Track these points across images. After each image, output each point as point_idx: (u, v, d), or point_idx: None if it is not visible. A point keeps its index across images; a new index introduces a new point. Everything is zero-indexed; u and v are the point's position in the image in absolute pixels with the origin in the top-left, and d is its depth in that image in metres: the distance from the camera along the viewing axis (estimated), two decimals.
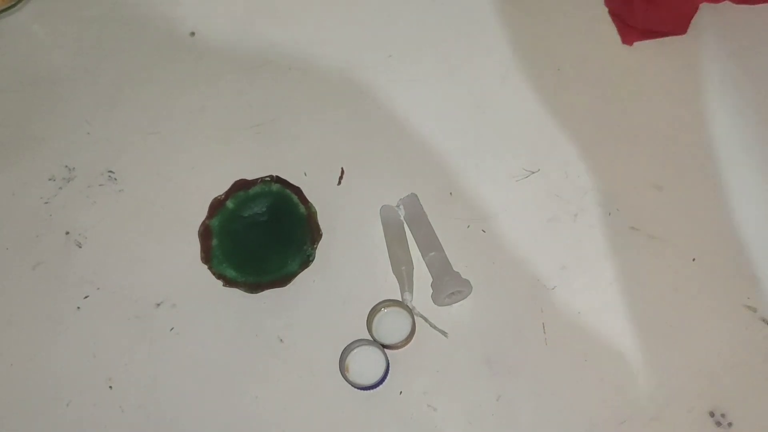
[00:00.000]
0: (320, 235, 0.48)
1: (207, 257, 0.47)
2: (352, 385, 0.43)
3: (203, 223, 0.48)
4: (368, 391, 0.44)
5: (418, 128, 0.53)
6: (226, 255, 0.47)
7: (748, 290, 0.46)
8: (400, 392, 0.44)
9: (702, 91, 0.54)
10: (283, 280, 0.46)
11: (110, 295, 0.48)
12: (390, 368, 0.44)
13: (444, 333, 0.45)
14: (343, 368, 0.44)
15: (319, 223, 0.48)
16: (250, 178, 0.50)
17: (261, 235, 0.48)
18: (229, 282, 0.46)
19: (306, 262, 0.47)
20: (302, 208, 0.49)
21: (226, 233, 0.48)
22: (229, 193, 0.49)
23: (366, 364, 0.44)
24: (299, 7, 0.60)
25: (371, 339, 0.45)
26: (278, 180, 0.50)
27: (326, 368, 0.45)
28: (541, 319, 0.46)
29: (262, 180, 0.50)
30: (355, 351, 0.44)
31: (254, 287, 0.46)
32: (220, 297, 0.47)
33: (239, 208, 0.49)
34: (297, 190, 0.49)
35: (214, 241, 0.48)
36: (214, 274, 0.47)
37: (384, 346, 0.44)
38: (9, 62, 0.59)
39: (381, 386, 0.44)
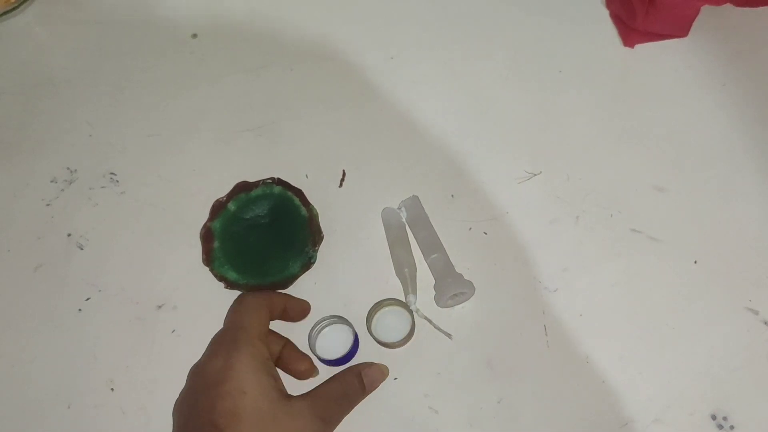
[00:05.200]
0: (321, 238, 0.48)
1: (208, 259, 0.47)
2: (321, 360, 0.44)
3: (205, 225, 0.48)
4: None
5: (420, 130, 0.53)
6: (228, 257, 0.47)
7: (749, 292, 0.46)
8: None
9: (703, 93, 0.54)
10: (284, 282, 0.46)
11: (112, 297, 0.48)
12: (359, 343, 0.45)
13: (448, 335, 0.45)
14: (313, 345, 0.45)
15: (321, 225, 0.48)
16: (251, 180, 0.50)
17: (262, 237, 0.48)
18: (230, 284, 0.46)
19: (307, 264, 0.47)
20: (303, 210, 0.49)
21: (228, 235, 0.48)
22: (230, 196, 0.49)
23: (335, 339, 0.45)
24: (301, 8, 0.60)
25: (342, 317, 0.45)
26: (280, 182, 0.50)
27: (327, 369, 0.45)
28: (543, 321, 0.46)
29: (264, 182, 0.50)
30: (324, 328, 0.45)
31: (256, 289, 0.46)
32: (221, 299, 0.47)
33: (240, 210, 0.49)
34: (298, 192, 0.49)
35: (216, 243, 0.48)
36: (215, 276, 0.47)
37: (382, 344, 0.45)
38: (10, 64, 0.59)
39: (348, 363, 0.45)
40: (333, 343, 0.45)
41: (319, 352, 0.44)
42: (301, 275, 0.47)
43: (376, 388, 0.43)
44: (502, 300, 0.46)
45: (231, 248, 0.48)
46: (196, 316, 0.47)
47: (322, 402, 0.40)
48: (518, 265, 0.48)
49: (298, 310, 0.45)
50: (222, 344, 0.40)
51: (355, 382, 0.42)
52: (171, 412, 0.40)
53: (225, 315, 0.43)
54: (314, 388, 0.41)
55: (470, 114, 0.54)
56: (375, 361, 0.44)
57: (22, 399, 0.45)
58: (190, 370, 0.40)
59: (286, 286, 0.46)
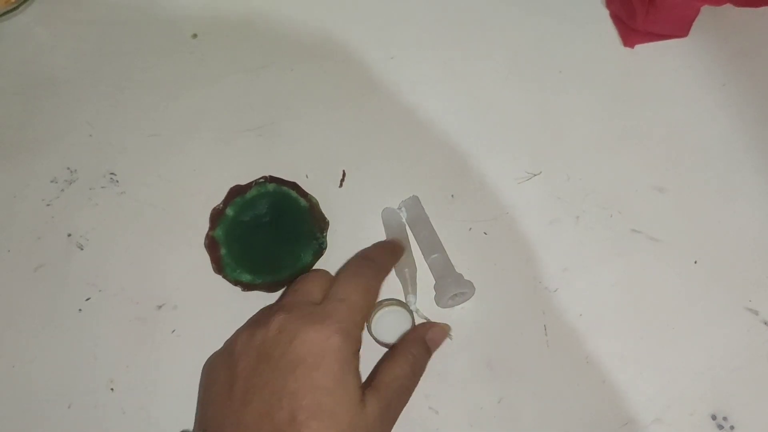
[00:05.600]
0: (327, 223, 0.48)
1: (219, 267, 0.47)
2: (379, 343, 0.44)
3: (207, 235, 0.48)
4: None
5: (420, 130, 0.53)
6: (238, 261, 0.47)
7: (750, 293, 0.46)
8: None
9: (703, 94, 0.54)
10: (300, 274, 0.46)
11: (112, 297, 0.48)
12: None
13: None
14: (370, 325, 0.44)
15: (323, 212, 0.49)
16: (244, 182, 0.50)
17: (268, 236, 0.48)
18: (247, 286, 0.46)
19: (319, 251, 0.47)
20: (303, 201, 0.49)
21: (233, 241, 0.48)
22: (226, 201, 0.49)
23: (393, 323, 0.44)
24: (301, 8, 0.60)
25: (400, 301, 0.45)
26: (272, 179, 0.50)
27: None
28: (543, 321, 0.46)
29: (256, 182, 0.50)
30: (383, 310, 0.45)
31: (273, 286, 0.46)
32: (222, 299, 0.47)
33: (239, 214, 0.49)
34: (293, 185, 0.50)
35: (223, 251, 0.48)
36: (230, 281, 0.47)
37: (382, 345, 0.45)
38: (10, 64, 0.59)
39: None
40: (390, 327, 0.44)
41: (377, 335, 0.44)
42: (315, 263, 0.47)
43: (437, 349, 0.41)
44: (502, 300, 0.46)
45: (239, 252, 0.48)
46: (197, 316, 0.47)
47: (391, 396, 0.37)
48: (518, 265, 0.48)
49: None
50: (328, 317, 0.36)
51: (423, 352, 0.40)
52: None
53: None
54: (382, 372, 0.38)
55: (470, 114, 0.54)
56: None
57: (22, 399, 0.45)
58: (270, 316, 0.37)
59: None
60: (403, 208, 0.49)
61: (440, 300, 0.45)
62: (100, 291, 0.48)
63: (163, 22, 0.61)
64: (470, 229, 0.49)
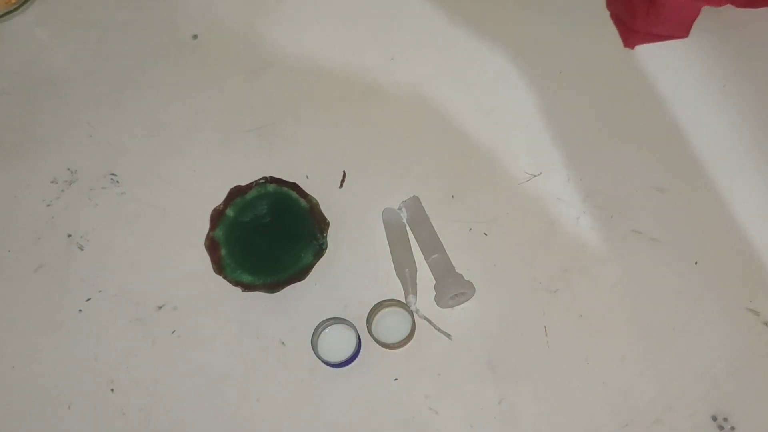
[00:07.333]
0: (327, 224, 0.48)
1: (219, 268, 0.47)
2: (325, 363, 0.44)
3: (207, 236, 0.48)
4: (368, 393, 0.44)
5: (420, 131, 0.54)
6: (238, 262, 0.47)
7: (750, 294, 0.46)
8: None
9: (704, 94, 0.54)
10: (300, 274, 0.47)
11: (112, 298, 0.48)
12: (362, 345, 0.45)
13: (448, 335, 0.45)
14: (315, 344, 0.45)
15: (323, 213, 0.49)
16: (252, 181, 0.50)
17: (268, 236, 0.48)
18: (247, 287, 0.46)
19: (319, 251, 0.47)
20: (303, 202, 0.49)
21: (233, 241, 0.48)
22: (226, 202, 0.49)
23: (337, 341, 0.45)
24: (301, 9, 0.61)
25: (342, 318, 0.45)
26: (273, 180, 0.50)
27: (327, 371, 0.45)
28: (543, 322, 0.46)
29: (257, 183, 0.50)
30: (327, 330, 0.45)
31: (273, 287, 0.46)
32: (222, 300, 0.47)
33: (240, 215, 0.49)
34: (294, 186, 0.50)
35: (223, 251, 0.48)
36: (230, 282, 0.47)
37: (383, 345, 0.45)
38: (12, 65, 0.59)
39: (352, 367, 0.44)
40: (336, 345, 0.45)
41: (322, 355, 0.44)
42: (315, 264, 0.47)
43: None
44: (503, 301, 0.46)
45: (239, 253, 0.48)
46: (197, 316, 0.47)
47: None
48: (518, 266, 0.48)
49: None
50: None
51: None
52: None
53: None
54: None
55: (470, 114, 0.54)
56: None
57: (22, 399, 0.45)
58: None
59: (303, 278, 0.47)
60: (403, 209, 0.49)
61: (440, 300, 0.45)
62: (100, 291, 0.48)
63: (164, 23, 0.61)
64: (470, 229, 0.49)
